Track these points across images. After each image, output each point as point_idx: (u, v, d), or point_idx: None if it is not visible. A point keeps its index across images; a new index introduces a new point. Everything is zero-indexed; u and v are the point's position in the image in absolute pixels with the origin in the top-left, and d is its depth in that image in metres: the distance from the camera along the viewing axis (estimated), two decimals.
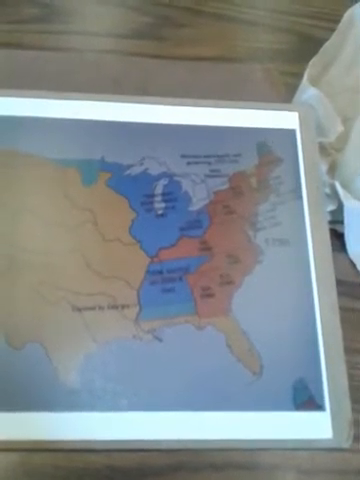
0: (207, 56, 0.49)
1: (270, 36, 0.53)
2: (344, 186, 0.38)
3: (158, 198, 0.36)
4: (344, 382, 0.32)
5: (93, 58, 0.47)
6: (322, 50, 0.42)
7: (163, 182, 0.36)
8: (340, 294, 0.35)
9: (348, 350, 0.33)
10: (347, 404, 0.32)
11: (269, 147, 0.38)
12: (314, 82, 0.40)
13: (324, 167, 0.39)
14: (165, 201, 0.36)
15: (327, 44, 0.42)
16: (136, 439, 0.30)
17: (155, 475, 0.30)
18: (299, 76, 0.42)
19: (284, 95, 0.44)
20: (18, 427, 0.30)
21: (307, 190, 0.37)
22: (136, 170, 0.36)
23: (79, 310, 0.32)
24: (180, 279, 0.34)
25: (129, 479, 0.30)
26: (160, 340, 0.32)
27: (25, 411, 0.30)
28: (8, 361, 0.31)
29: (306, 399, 0.32)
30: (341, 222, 0.38)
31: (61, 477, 0.30)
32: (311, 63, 0.40)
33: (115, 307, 0.33)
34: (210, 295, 0.33)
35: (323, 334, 0.33)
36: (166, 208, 0.36)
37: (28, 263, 0.33)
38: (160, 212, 0.35)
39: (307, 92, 0.39)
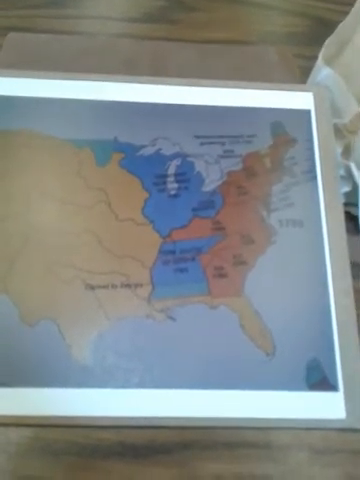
0: (220, 39, 0.49)
1: (283, 19, 0.53)
2: (359, 168, 0.37)
3: (171, 178, 0.36)
4: (358, 363, 0.32)
5: (106, 41, 0.47)
6: (337, 30, 0.41)
7: (176, 162, 0.36)
8: (354, 276, 0.34)
9: None
10: None
11: (283, 128, 0.37)
12: (329, 63, 0.39)
13: (339, 149, 0.39)
14: (178, 181, 0.36)
15: (342, 24, 0.41)
16: (148, 416, 0.30)
17: (166, 452, 0.30)
18: (313, 59, 0.41)
19: (299, 77, 0.44)
20: (31, 403, 0.30)
21: (322, 171, 0.36)
22: (149, 150, 0.36)
23: (92, 288, 0.32)
24: (193, 259, 0.34)
25: (140, 456, 0.30)
26: (173, 319, 0.32)
27: (38, 387, 0.30)
28: (22, 337, 0.31)
29: (319, 379, 0.31)
30: (356, 205, 0.38)
31: (74, 453, 0.30)
32: (326, 43, 0.40)
33: (128, 286, 0.33)
34: (223, 275, 0.33)
35: (337, 315, 0.33)
36: (179, 188, 0.35)
37: (42, 242, 0.33)
38: (173, 192, 0.35)
39: (322, 72, 0.39)
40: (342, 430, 0.31)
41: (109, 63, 0.43)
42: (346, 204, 0.38)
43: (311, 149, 0.37)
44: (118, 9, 0.51)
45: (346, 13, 0.42)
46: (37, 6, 0.51)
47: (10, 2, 0.50)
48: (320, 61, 0.39)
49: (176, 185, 0.35)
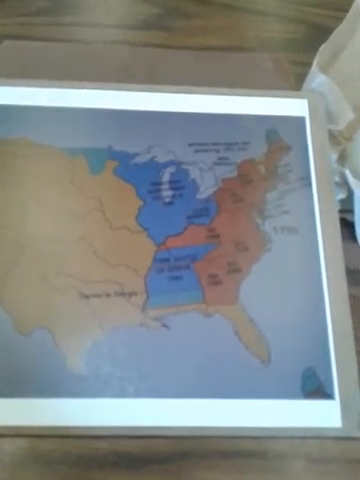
0: (216, 46, 0.49)
1: (279, 26, 0.53)
2: (354, 175, 0.37)
3: (165, 186, 0.36)
4: (354, 371, 0.32)
5: (102, 49, 0.47)
6: (331, 37, 0.41)
7: (170, 170, 0.36)
8: (350, 283, 0.34)
9: (358, 339, 0.33)
10: (357, 393, 0.31)
11: (278, 135, 0.37)
12: (323, 69, 0.39)
13: (334, 156, 0.39)
14: (172, 189, 0.36)
15: (336, 31, 0.41)
16: (143, 426, 0.30)
17: (162, 462, 0.30)
18: (308, 65, 0.41)
19: (293, 84, 0.44)
20: (26, 413, 0.30)
21: (316, 178, 0.36)
22: (143, 158, 0.36)
23: (86, 297, 0.32)
24: (187, 267, 0.33)
25: (135, 465, 0.30)
26: (168, 328, 0.32)
27: (33, 397, 0.30)
28: (16, 347, 0.31)
29: (315, 387, 0.31)
30: (351, 211, 0.38)
31: (69, 463, 0.30)
32: (320, 50, 0.40)
33: (122, 294, 0.32)
34: (218, 283, 0.33)
35: (332, 323, 0.33)
36: (173, 196, 0.35)
37: (36, 251, 0.33)
38: (167, 200, 0.35)
39: (316, 79, 0.39)
40: (338, 439, 0.31)
41: (105, 70, 0.43)
42: (341, 211, 0.38)
43: (306, 156, 0.37)
44: (114, 16, 0.52)
45: (342, 19, 0.42)
46: (32, 14, 0.51)
47: (5, 10, 0.50)
48: (315, 68, 0.39)
49: (171, 193, 0.35)
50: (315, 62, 0.39)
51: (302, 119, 0.38)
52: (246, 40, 0.51)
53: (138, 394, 0.30)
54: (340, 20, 0.43)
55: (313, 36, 0.52)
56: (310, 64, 0.41)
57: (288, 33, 0.52)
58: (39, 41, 0.47)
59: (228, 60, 0.45)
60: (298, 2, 0.55)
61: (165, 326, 0.32)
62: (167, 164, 0.36)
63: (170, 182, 0.36)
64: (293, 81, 0.44)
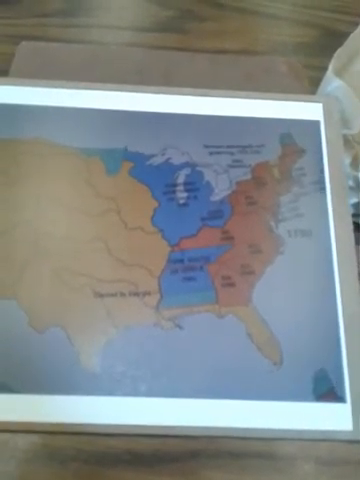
0: (229, 49, 0.49)
1: (292, 30, 0.53)
2: None
3: (180, 188, 0.36)
4: None
5: (117, 51, 0.47)
6: (347, 42, 0.41)
7: (185, 172, 0.36)
8: None
9: None
10: None
11: (292, 138, 0.38)
12: (339, 74, 0.40)
13: (347, 160, 0.39)
14: (187, 191, 0.36)
15: (352, 36, 0.41)
16: (155, 425, 0.30)
17: (173, 461, 0.30)
18: (322, 69, 0.42)
19: (308, 88, 0.44)
20: (40, 409, 0.30)
21: (330, 182, 0.37)
22: (158, 160, 0.37)
23: (101, 296, 0.33)
24: (201, 268, 0.34)
25: (148, 464, 0.30)
26: (181, 328, 0.32)
27: (46, 394, 0.30)
28: (31, 344, 0.31)
29: (327, 390, 0.31)
30: None
31: (82, 460, 0.30)
32: (336, 54, 0.40)
33: (136, 294, 0.33)
34: (231, 284, 0.33)
35: (345, 326, 0.33)
36: (188, 198, 0.36)
37: (52, 250, 0.34)
38: (182, 202, 0.36)
39: (332, 83, 0.39)
40: (349, 442, 0.31)
41: (120, 72, 0.44)
42: (354, 215, 0.38)
43: (320, 160, 0.37)
44: (128, 18, 0.52)
45: (355, 24, 0.42)
46: (48, 15, 0.51)
47: (22, 11, 0.51)
48: (330, 72, 0.39)
49: (185, 194, 0.36)
50: (331, 66, 0.39)
51: (317, 123, 0.38)
52: (259, 44, 0.51)
53: (150, 393, 0.31)
54: (353, 24, 0.43)
55: (326, 40, 0.52)
56: (323, 68, 0.41)
57: (301, 37, 0.52)
58: (55, 42, 0.47)
59: (243, 63, 0.45)
60: (311, 6, 0.55)
61: (178, 326, 0.32)
62: (182, 166, 0.36)
63: (185, 184, 0.36)
64: (307, 85, 0.44)
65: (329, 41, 0.51)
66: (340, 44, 0.42)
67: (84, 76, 0.41)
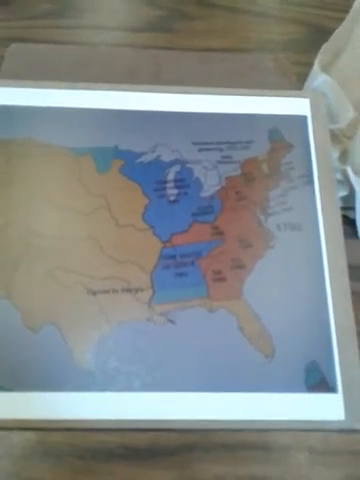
0: (218, 48, 0.50)
1: (280, 27, 0.53)
2: (356, 172, 0.38)
3: (170, 184, 0.36)
4: (356, 364, 0.32)
5: (106, 51, 0.47)
6: (333, 37, 0.42)
7: (175, 169, 0.37)
8: (351, 279, 0.35)
9: None
10: (359, 386, 0.32)
11: (280, 133, 0.38)
12: (325, 69, 0.40)
13: (335, 154, 0.39)
14: (177, 187, 0.36)
15: (338, 31, 0.42)
16: (149, 419, 0.31)
17: (168, 454, 0.30)
18: (309, 66, 0.42)
19: (295, 83, 0.44)
20: (35, 407, 0.30)
21: (319, 175, 0.37)
22: (149, 157, 0.37)
23: (94, 293, 0.33)
24: (192, 263, 0.34)
25: (142, 458, 0.30)
26: (173, 322, 0.33)
27: (41, 391, 0.31)
28: (25, 342, 0.31)
29: (318, 381, 0.32)
30: (352, 208, 0.39)
31: (77, 455, 0.30)
32: (322, 50, 0.40)
33: (129, 290, 0.33)
34: (222, 279, 0.34)
35: (335, 318, 0.33)
36: (178, 194, 0.36)
37: (44, 248, 0.34)
38: (172, 198, 0.36)
39: (318, 79, 0.39)
40: (341, 431, 0.31)
41: (110, 72, 0.44)
42: (343, 208, 0.38)
43: (308, 154, 0.38)
44: (117, 19, 0.52)
45: (342, 20, 0.43)
46: (38, 17, 0.52)
47: (11, 13, 0.51)
48: (316, 67, 0.40)
49: (176, 191, 0.36)
50: (317, 62, 0.40)
51: (304, 118, 0.39)
52: (247, 41, 0.51)
53: (144, 388, 0.31)
54: (340, 21, 0.43)
55: (313, 37, 0.52)
56: (310, 64, 0.42)
57: (288, 34, 0.53)
58: (45, 44, 0.48)
59: (231, 61, 0.45)
60: (298, 3, 0.56)
61: (171, 321, 0.33)
62: (172, 163, 0.37)
63: (175, 181, 0.36)
64: (294, 80, 0.45)
65: (317, 37, 0.52)
66: (327, 40, 0.42)
67: (74, 77, 0.41)
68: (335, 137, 0.39)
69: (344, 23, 0.42)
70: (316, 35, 0.52)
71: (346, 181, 0.38)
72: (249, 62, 0.45)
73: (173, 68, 0.45)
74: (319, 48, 0.41)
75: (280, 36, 0.52)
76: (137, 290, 0.33)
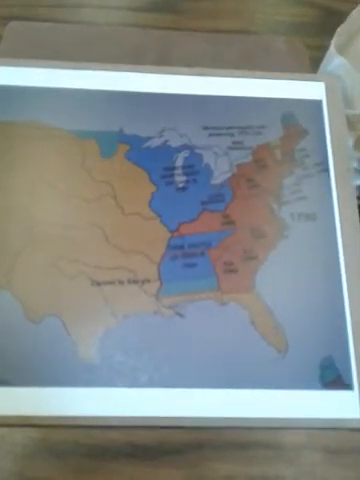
0: (226, 29, 0.48)
1: (291, 9, 0.51)
2: None
3: (179, 171, 0.35)
4: None
5: (110, 31, 0.45)
6: (348, 19, 0.40)
7: (184, 155, 0.35)
8: None
9: None
10: None
11: (294, 118, 0.36)
12: (340, 52, 0.38)
13: (350, 141, 0.38)
14: (186, 174, 0.34)
15: (353, 13, 0.40)
16: (157, 416, 0.29)
17: (176, 453, 0.29)
18: (321, 49, 0.40)
19: (308, 67, 0.43)
20: (37, 403, 0.29)
21: (334, 163, 0.35)
22: (156, 142, 0.35)
23: (98, 284, 0.31)
24: (202, 254, 0.33)
25: (150, 456, 0.29)
26: (182, 316, 0.31)
27: (43, 386, 0.29)
28: (26, 335, 0.30)
29: (334, 378, 0.30)
30: None
31: (81, 454, 0.29)
32: (338, 32, 0.39)
33: (135, 282, 0.32)
34: (233, 270, 0.32)
35: (351, 312, 0.32)
36: (187, 181, 0.34)
37: (46, 236, 0.32)
38: (181, 185, 0.34)
39: (334, 61, 0.38)
40: (357, 430, 0.30)
41: (114, 53, 0.42)
42: (359, 197, 0.37)
43: (323, 140, 0.36)
44: None
45: (354, 2, 0.41)
46: None
47: None
48: (332, 49, 0.38)
49: (184, 178, 0.34)
50: (332, 43, 0.38)
51: (319, 102, 0.37)
52: (256, 23, 0.49)
53: (151, 384, 0.30)
54: (352, 3, 0.42)
55: (325, 20, 0.51)
56: (322, 48, 0.40)
57: (299, 16, 0.51)
58: (45, 22, 0.46)
59: (241, 42, 0.43)
60: None
61: (179, 314, 0.31)
62: (180, 148, 0.35)
63: (183, 167, 0.35)
64: (308, 63, 0.43)
65: (328, 20, 0.50)
66: (338, 23, 0.40)
67: (76, 57, 0.39)
68: (350, 124, 0.38)
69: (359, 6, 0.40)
70: (327, 18, 0.50)
71: None
72: (261, 44, 0.43)
73: (180, 49, 0.43)
74: (330, 31, 0.40)
75: (291, 18, 0.50)
76: (144, 281, 0.32)
